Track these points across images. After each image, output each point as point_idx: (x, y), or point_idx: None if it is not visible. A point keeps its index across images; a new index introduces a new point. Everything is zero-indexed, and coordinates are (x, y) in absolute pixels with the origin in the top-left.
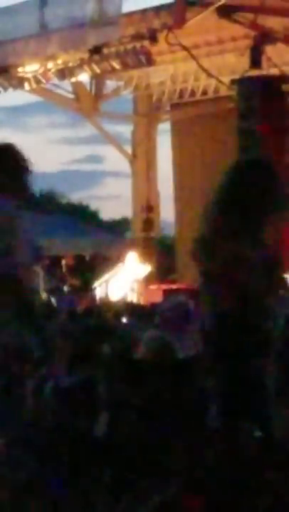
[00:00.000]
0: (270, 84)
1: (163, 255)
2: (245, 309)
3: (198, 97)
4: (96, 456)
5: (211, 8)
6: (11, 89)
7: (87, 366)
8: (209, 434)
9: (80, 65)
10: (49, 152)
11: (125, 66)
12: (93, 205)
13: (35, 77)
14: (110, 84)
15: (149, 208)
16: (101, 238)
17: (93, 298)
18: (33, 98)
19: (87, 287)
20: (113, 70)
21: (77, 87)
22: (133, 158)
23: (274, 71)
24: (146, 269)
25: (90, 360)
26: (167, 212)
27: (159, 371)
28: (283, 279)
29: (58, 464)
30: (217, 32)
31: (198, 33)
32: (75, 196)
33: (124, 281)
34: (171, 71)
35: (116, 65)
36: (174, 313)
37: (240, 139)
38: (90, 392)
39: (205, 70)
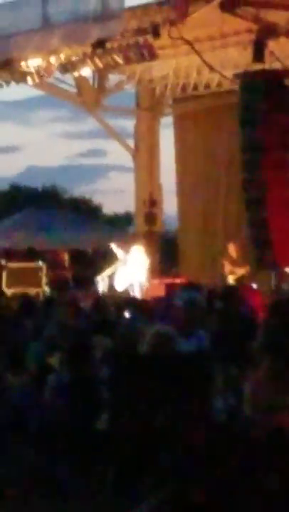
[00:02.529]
0: (272, 78)
1: (165, 249)
2: None
3: (200, 91)
4: (98, 451)
5: (214, 2)
6: (13, 84)
7: (88, 361)
8: (214, 429)
9: (83, 59)
10: (52, 146)
11: (128, 60)
12: (96, 200)
13: (38, 71)
14: (113, 78)
15: (151, 202)
16: (103, 233)
17: (96, 292)
18: (36, 92)
19: (89, 282)
20: (116, 64)
21: (80, 81)
22: (136, 153)
23: (277, 65)
24: (147, 263)
25: (92, 355)
26: (170, 207)
27: (161, 366)
28: None
29: (60, 459)
30: (220, 26)
31: (201, 27)
32: (78, 190)
33: (128, 275)
34: (173, 65)
35: (119, 59)
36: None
37: (243, 133)
38: (91, 387)
39: (208, 64)
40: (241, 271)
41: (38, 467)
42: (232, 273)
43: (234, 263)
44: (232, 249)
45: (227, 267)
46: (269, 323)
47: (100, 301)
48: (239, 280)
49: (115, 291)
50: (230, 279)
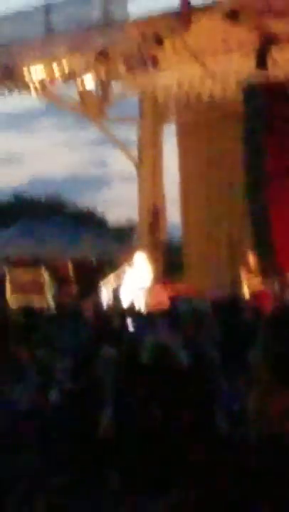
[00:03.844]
0: (276, 88)
1: (169, 258)
2: None
3: (204, 100)
4: (101, 456)
5: (217, 12)
6: (17, 92)
7: (92, 369)
8: (217, 436)
9: (86, 68)
10: (55, 156)
11: (131, 69)
12: (99, 209)
13: (41, 80)
14: (116, 87)
15: (155, 212)
16: (107, 242)
17: (97, 302)
18: (39, 101)
19: (93, 292)
20: (119, 73)
21: (83, 90)
22: (139, 162)
23: (280, 74)
24: (151, 273)
25: (95, 363)
26: (174, 215)
27: (161, 376)
28: None
29: (63, 465)
30: (223, 35)
31: (204, 36)
32: (81, 200)
33: (132, 285)
34: (176, 74)
35: (122, 68)
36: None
37: (246, 142)
38: (94, 395)
39: (211, 74)
40: (258, 280)
41: (41, 474)
42: (249, 282)
43: (252, 272)
44: (251, 258)
45: (244, 275)
46: (268, 334)
47: (101, 311)
48: (255, 289)
49: (119, 300)
50: (246, 288)
